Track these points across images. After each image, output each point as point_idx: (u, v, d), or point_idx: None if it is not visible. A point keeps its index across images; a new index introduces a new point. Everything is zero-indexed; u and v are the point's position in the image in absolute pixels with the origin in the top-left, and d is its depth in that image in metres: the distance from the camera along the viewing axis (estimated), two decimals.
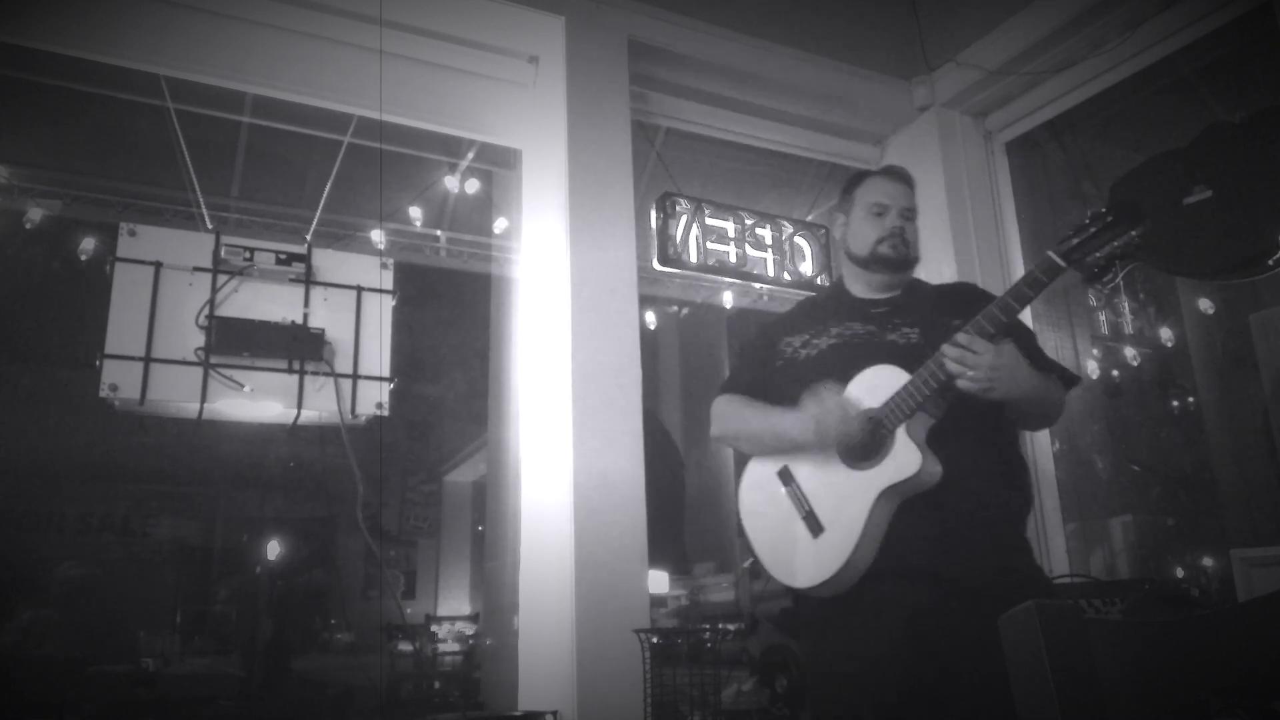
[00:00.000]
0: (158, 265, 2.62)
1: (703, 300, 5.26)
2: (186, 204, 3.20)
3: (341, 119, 3.21)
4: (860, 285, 2.14)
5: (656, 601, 4.26)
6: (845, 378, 1.93)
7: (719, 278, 3.83)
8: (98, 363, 2.50)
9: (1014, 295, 1.81)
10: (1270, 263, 3.07)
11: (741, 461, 2.22)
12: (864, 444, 1.87)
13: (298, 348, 2.68)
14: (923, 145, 3.76)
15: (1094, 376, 4.33)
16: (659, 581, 4.59)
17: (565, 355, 2.82)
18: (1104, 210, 1.76)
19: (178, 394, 2.57)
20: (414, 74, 3.14)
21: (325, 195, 3.17)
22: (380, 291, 2.86)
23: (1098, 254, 1.75)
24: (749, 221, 3.64)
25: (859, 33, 3.78)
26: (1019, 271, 3.74)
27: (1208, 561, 3.58)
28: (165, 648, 4.80)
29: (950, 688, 1.71)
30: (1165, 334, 4.38)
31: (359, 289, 2.83)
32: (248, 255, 2.71)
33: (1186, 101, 3.70)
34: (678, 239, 3.47)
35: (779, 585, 2.02)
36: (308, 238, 2.99)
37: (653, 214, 3.47)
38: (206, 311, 2.62)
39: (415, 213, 4.58)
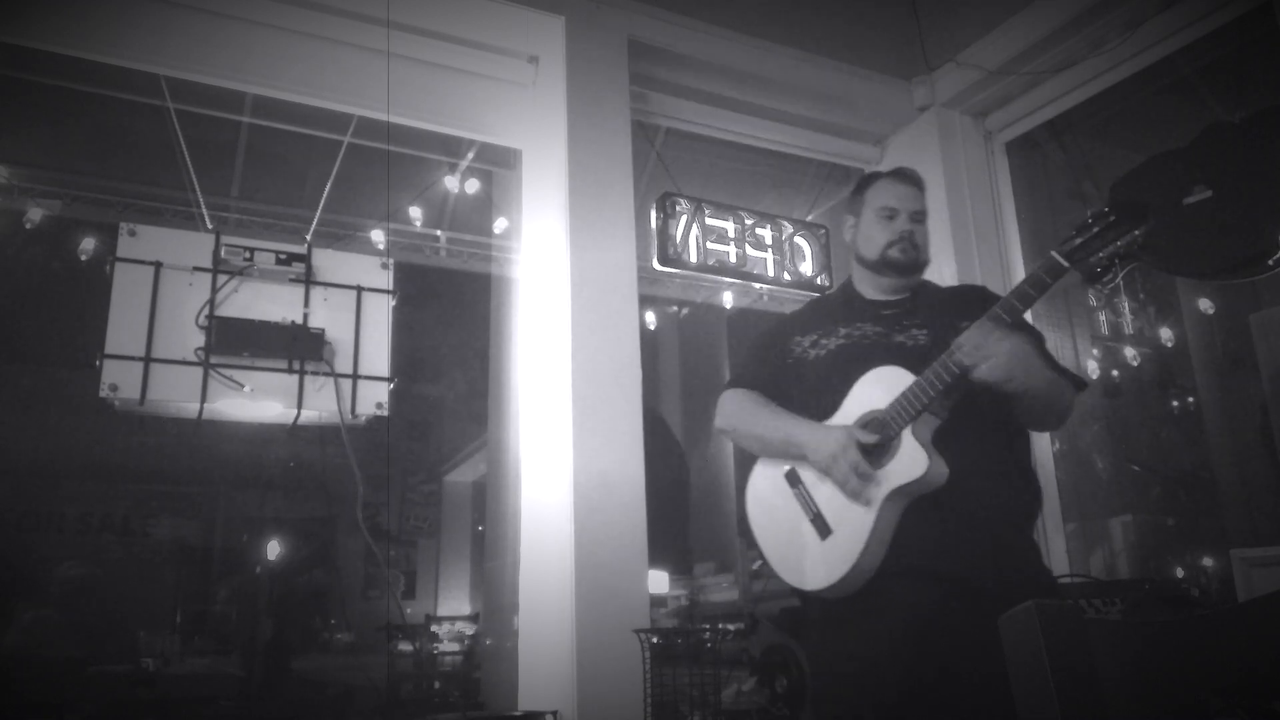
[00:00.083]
0: (158, 265, 2.62)
1: (703, 300, 5.26)
2: (186, 204, 3.20)
3: (341, 119, 3.21)
4: (869, 287, 2.14)
5: (656, 601, 4.26)
6: (853, 378, 1.93)
7: (719, 278, 3.83)
8: (98, 363, 2.50)
9: (1017, 295, 1.81)
10: (1270, 263, 3.07)
11: (742, 462, 2.22)
12: (869, 445, 1.87)
13: (298, 348, 2.68)
14: (923, 145, 3.76)
15: (1094, 376, 4.33)
16: (659, 581, 4.59)
17: (565, 355, 2.82)
18: (1106, 210, 1.75)
19: (178, 394, 2.57)
20: (414, 74, 3.14)
21: (325, 195, 3.17)
22: (380, 291, 2.86)
23: (1100, 253, 1.75)
24: (749, 221, 3.64)
25: (859, 33, 3.78)
26: (1019, 271, 3.74)
27: (1208, 561, 3.58)
28: (165, 648, 4.80)
29: (957, 688, 1.71)
30: (1165, 334, 4.38)
31: (359, 289, 2.83)
32: (248, 255, 2.71)
33: (1186, 101, 3.70)
34: (678, 239, 3.47)
35: (779, 585, 2.02)
36: (308, 238, 2.99)
37: (653, 214, 3.47)
38: (206, 311, 2.62)
39: (415, 213, 4.58)
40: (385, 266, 2.90)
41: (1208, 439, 4.19)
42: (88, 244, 4.05)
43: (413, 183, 4.47)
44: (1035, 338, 2.00)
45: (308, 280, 2.77)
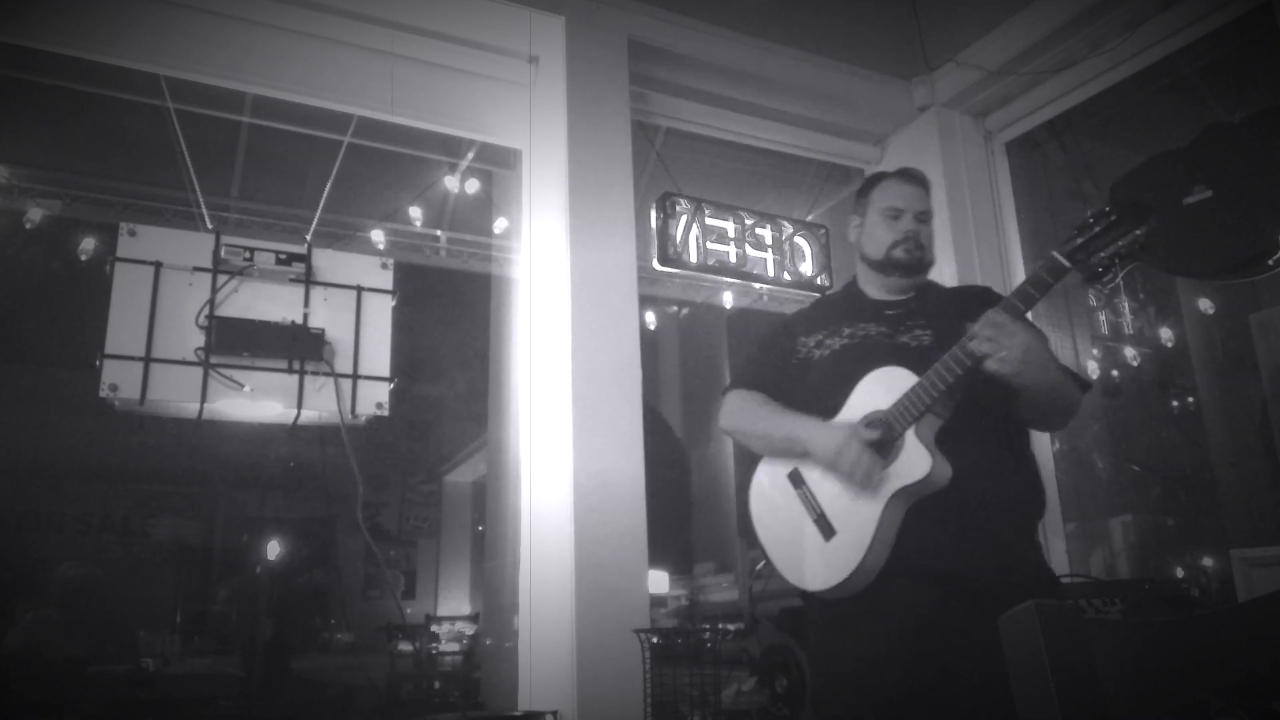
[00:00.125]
0: (158, 265, 2.62)
1: (703, 300, 5.26)
2: (186, 204, 3.20)
3: (341, 119, 3.21)
4: (874, 287, 2.14)
5: (656, 601, 4.26)
6: (856, 378, 1.93)
7: (719, 278, 3.83)
8: (98, 363, 2.50)
9: (1019, 295, 1.81)
10: (1270, 263, 3.07)
11: (742, 462, 2.22)
12: (873, 445, 1.87)
13: (298, 348, 2.68)
14: (923, 145, 3.76)
15: (1094, 376, 4.33)
16: (659, 581, 4.59)
17: (565, 355, 2.82)
18: (1108, 209, 1.75)
19: (178, 394, 2.57)
20: (414, 74, 3.14)
21: (325, 195, 3.17)
22: (380, 291, 2.86)
23: (1102, 253, 1.74)
24: (749, 221, 3.64)
25: (859, 33, 3.78)
26: (1019, 271, 3.74)
27: (1208, 561, 3.58)
28: (165, 648, 4.80)
29: (960, 689, 1.70)
30: (1165, 334, 4.38)
31: (359, 289, 2.83)
32: (248, 255, 2.71)
33: (1186, 101, 3.70)
34: (678, 239, 3.47)
35: (779, 585, 2.02)
36: (308, 238, 2.99)
37: (653, 214, 3.47)
38: (206, 311, 2.62)
39: (415, 213, 4.57)
40: (385, 266, 2.90)
41: (1208, 439, 4.19)
42: (88, 244, 4.05)
43: (413, 183, 4.47)
44: (1041, 336, 2.00)
45: (308, 280, 2.77)
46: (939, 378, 1.80)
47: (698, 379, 6.64)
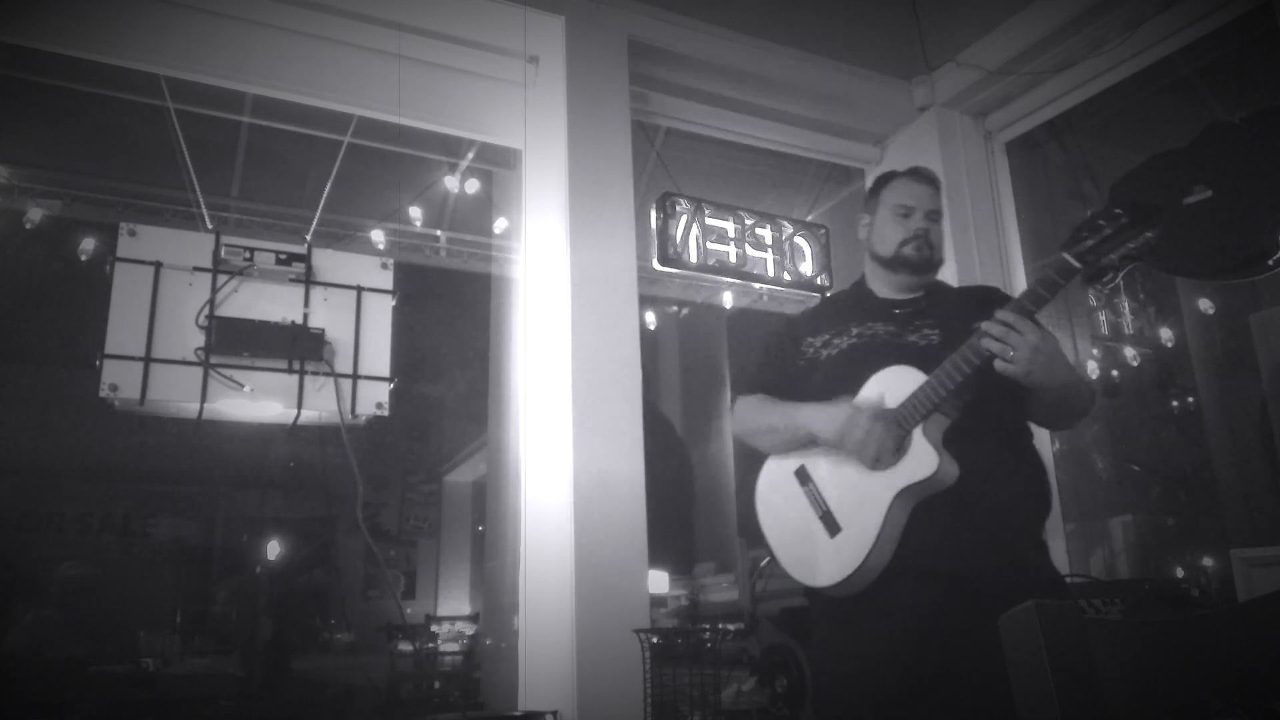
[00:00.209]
0: (158, 265, 2.62)
1: (703, 300, 5.26)
2: (186, 204, 3.20)
3: (341, 119, 3.21)
4: (883, 285, 2.14)
5: (656, 601, 4.26)
6: (864, 378, 1.93)
7: (719, 278, 3.84)
8: (98, 363, 2.50)
9: (1029, 297, 1.80)
10: (1270, 263, 3.07)
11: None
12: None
13: (298, 348, 2.68)
14: (923, 145, 3.76)
15: (1094, 376, 4.33)
16: (659, 581, 4.59)
17: (565, 355, 2.82)
18: (1119, 211, 1.74)
19: (178, 394, 2.57)
20: (414, 74, 3.14)
21: (325, 195, 3.17)
22: (380, 291, 2.86)
23: (1112, 255, 1.73)
24: (749, 221, 3.64)
25: (859, 33, 3.78)
26: (1019, 272, 3.74)
27: (1208, 561, 3.58)
28: (165, 648, 4.79)
29: (963, 688, 1.71)
30: (1165, 334, 4.38)
31: (359, 289, 2.83)
32: (248, 255, 2.71)
33: (1186, 101, 3.70)
34: (678, 239, 3.47)
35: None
36: (308, 238, 2.99)
37: (653, 214, 3.47)
38: (206, 311, 2.62)
39: (415, 213, 4.58)
40: (385, 266, 2.90)
41: (1208, 439, 4.19)
42: (88, 244, 4.05)
43: (413, 183, 4.47)
44: (1051, 336, 2.00)
45: (308, 280, 2.77)
46: (947, 377, 1.80)
47: (698, 379, 6.64)
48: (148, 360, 2.54)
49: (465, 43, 3.15)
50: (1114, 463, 4.31)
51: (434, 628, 5.15)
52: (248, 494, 7.05)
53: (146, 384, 2.53)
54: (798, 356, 2.12)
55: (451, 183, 4.35)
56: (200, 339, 2.60)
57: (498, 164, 4.10)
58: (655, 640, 2.46)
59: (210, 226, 3.02)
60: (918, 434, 1.82)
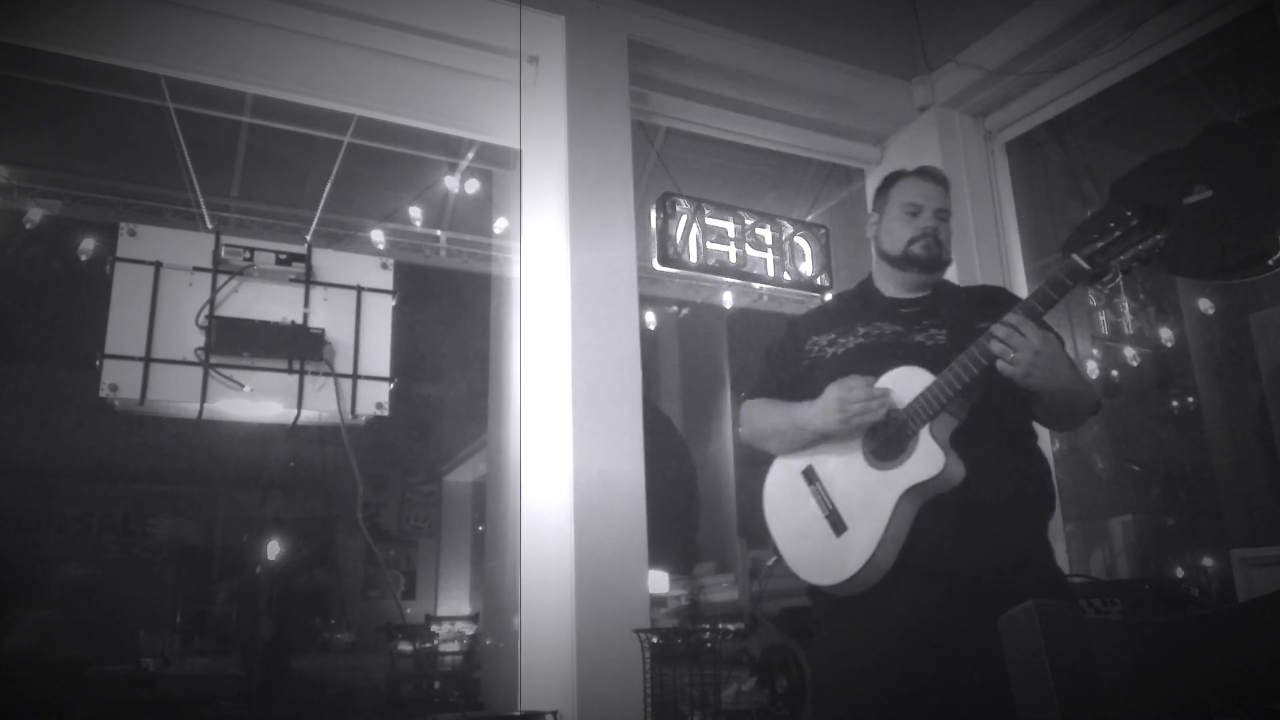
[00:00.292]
0: (158, 265, 2.62)
1: (703, 300, 5.25)
2: (186, 204, 3.20)
3: (341, 119, 3.21)
4: (890, 284, 2.15)
5: (656, 601, 4.26)
6: (872, 378, 1.93)
7: (719, 278, 3.83)
8: (98, 363, 2.50)
9: (1038, 298, 1.80)
10: (1270, 263, 3.07)
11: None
12: (887, 442, 1.87)
13: (298, 348, 2.68)
14: (923, 145, 3.75)
15: (1094, 376, 4.32)
16: (659, 581, 4.59)
17: (565, 355, 2.82)
18: (1129, 213, 1.74)
19: (178, 394, 2.57)
20: (414, 74, 3.14)
21: (325, 195, 3.17)
22: (380, 292, 2.86)
23: (1122, 257, 1.73)
24: (749, 221, 3.64)
25: (859, 33, 3.78)
26: (1019, 272, 3.74)
27: (1208, 561, 3.58)
28: (165, 648, 4.80)
29: (968, 689, 1.71)
30: (1165, 334, 4.38)
31: (359, 289, 2.83)
32: (248, 255, 2.71)
33: (1186, 101, 3.70)
34: (678, 239, 3.47)
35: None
36: (308, 238, 2.99)
37: (653, 214, 3.47)
38: (206, 311, 2.62)
39: (415, 213, 4.57)
40: (385, 266, 2.90)
41: (1208, 439, 4.19)
42: (88, 244, 4.04)
43: (413, 183, 4.47)
44: (1056, 339, 2.00)
45: (308, 280, 2.77)
46: (955, 377, 1.81)
47: (698, 379, 6.64)
48: (148, 360, 2.54)
49: (465, 43, 3.15)
50: (1114, 463, 4.31)
51: (434, 628, 5.15)
52: (248, 494, 7.04)
53: (146, 384, 2.53)
54: (801, 357, 2.13)
55: (451, 183, 4.35)
56: (200, 339, 2.60)
57: (498, 164, 4.10)
58: (655, 640, 2.46)
59: (210, 226, 3.02)
60: (925, 434, 1.83)
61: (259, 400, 2.65)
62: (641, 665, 2.45)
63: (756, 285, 3.83)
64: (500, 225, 4.29)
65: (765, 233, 3.67)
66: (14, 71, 3.37)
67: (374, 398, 2.78)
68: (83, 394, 2.62)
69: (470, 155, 4.14)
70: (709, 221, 3.55)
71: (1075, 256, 1.76)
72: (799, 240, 3.73)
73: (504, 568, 3.37)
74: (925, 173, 2.17)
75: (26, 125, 4.07)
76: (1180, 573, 3.75)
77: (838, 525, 1.90)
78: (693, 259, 3.50)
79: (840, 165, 4.11)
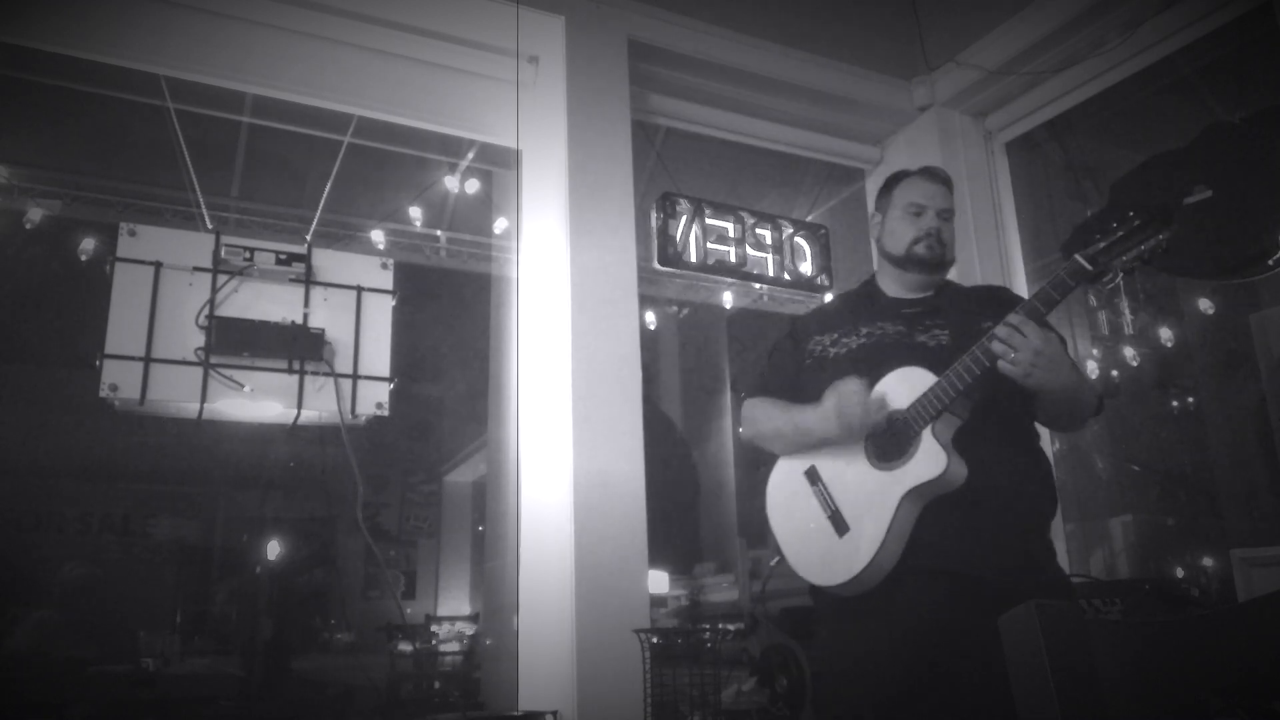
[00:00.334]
0: (158, 265, 2.62)
1: (703, 300, 5.25)
2: (186, 204, 3.20)
3: (341, 119, 3.20)
4: (893, 284, 2.15)
5: (657, 601, 4.26)
6: (873, 378, 1.93)
7: (719, 278, 3.84)
8: (98, 363, 2.50)
9: (1041, 298, 1.80)
10: (1270, 263, 3.07)
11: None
12: (890, 443, 1.87)
13: (298, 348, 2.68)
14: (923, 145, 3.75)
15: (1094, 376, 4.32)
16: (659, 581, 4.59)
17: (565, 355, 2.82)
18: (1132, 214, 1.73)
19: (178, 394, 2.57)
20: (414, 74, 3.14)
21: (325, 195, 3.17)
22: (380, 292, 2.86)
23: (1125, 257, 1.73)
24: (749, 221, 3.64)
25: (859, 33, 3.78)
26: (1019, 272, 3.74)
27: (1208, 561, 3.58)
28: (165, 648, 4.79)
29: (969, 689, 1.71)
30: (1165, 334, 4.38)
31: (359, 289, 2.83)
32: (248, 255, 2.72)
33: (1186, 101, 3.70)
34: (678, 239, 3.47)
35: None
36: (308, 238, 2.99)
37: (653, 214, 3.47)
38: (206, 311, 2.62)
39: (415, 213, 4.57)
40: (385, 266, 2.90)
41: (1208, 439, 4.18)
42: (88, 244, 4.04)
43: (413, 183, 4.47)
44: (1058, 340, 2.00)
45: (308, 280, 2.77)
46: (958, 378, 1.81)
47: (698, 379, 6.64)
48: (148, 360, 2.54)
49: (465, 43, 3.15)
50: (1114, 463, 4.31)
51: (434, 628, 5.15)
52: (248, 494, 7.04)
53: (146, 384, 2.53)
54: (804, 357, 2.13)
55: (451, 183, 4.35)
56: (200, 339, 2.60)
57: (498, 164, 4.10)
58: (655, 640, 2.46)
59: (210, 226, 3.02)
60: (927, 434, 1.83)
61: (259, 400, 2.65)
62: (641, 665, 2.45)
63: (756, 285, 3.83)
64: (500, 225, 4.29)
65: (765, 233, 3.67)
66: (14, 71, 3.36)
67: (374, 398, 2.78)
68: (83, 394, 2.62)
69: (470, 155, 4.14)
70: (709, 221, 3.56)
71: (1078, 256, 1.76)
72: (799, 240, 3.73)
73: (504, 568, 3.37)
74: (928, 173, 2.17)
75: (26, 125, 4.06)
76: (1180, 573, 3.75)
77: (840, 525, 1.90)
78: (693, 259, 3.50)
79: (840, 165, 4.11)
